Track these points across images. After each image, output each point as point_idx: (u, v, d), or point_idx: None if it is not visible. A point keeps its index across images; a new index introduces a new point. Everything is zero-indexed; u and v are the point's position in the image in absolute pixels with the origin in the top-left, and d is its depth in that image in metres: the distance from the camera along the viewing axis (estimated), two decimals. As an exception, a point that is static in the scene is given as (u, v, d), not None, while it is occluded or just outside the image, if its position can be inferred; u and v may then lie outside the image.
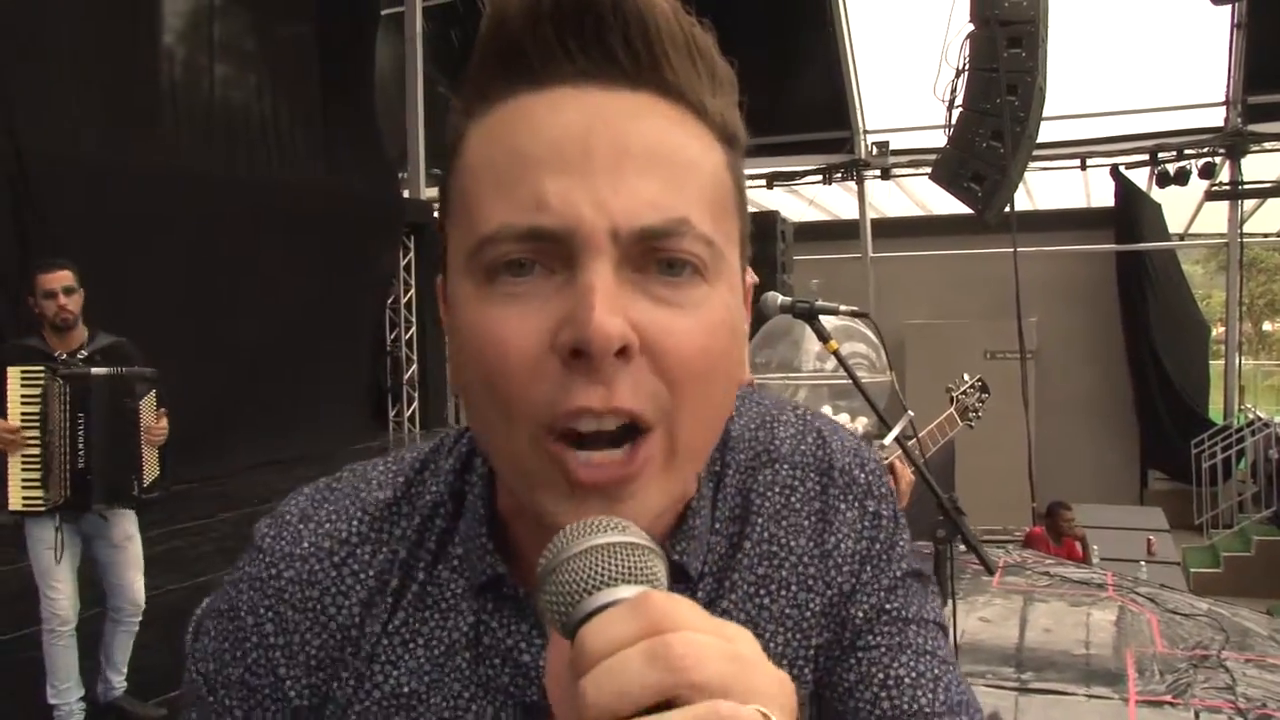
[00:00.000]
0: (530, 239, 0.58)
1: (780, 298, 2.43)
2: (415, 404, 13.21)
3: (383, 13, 12.68)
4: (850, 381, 6.29)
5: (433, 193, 13.66)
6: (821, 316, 2.55)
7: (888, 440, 2.45)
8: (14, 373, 3.86)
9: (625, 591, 0.49)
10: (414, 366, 12.94)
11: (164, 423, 4.17)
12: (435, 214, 0.70)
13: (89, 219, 7.78)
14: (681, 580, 0.70)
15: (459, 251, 0.62)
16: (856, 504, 0.78)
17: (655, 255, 0.59)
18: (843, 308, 2.53)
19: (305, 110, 11.60)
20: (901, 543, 0.79)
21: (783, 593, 0.74)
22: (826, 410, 6.33)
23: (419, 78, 12.61)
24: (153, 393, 4.13)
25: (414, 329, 13.09)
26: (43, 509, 3.84)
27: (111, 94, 9.09)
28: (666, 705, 0.44)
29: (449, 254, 0.64)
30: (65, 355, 3.97)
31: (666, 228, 0.59)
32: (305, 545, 0.72)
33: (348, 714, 0.70)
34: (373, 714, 0.70)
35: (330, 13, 11.82)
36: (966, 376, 2.80)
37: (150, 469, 4.12)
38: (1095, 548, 8.61)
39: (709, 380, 0.61)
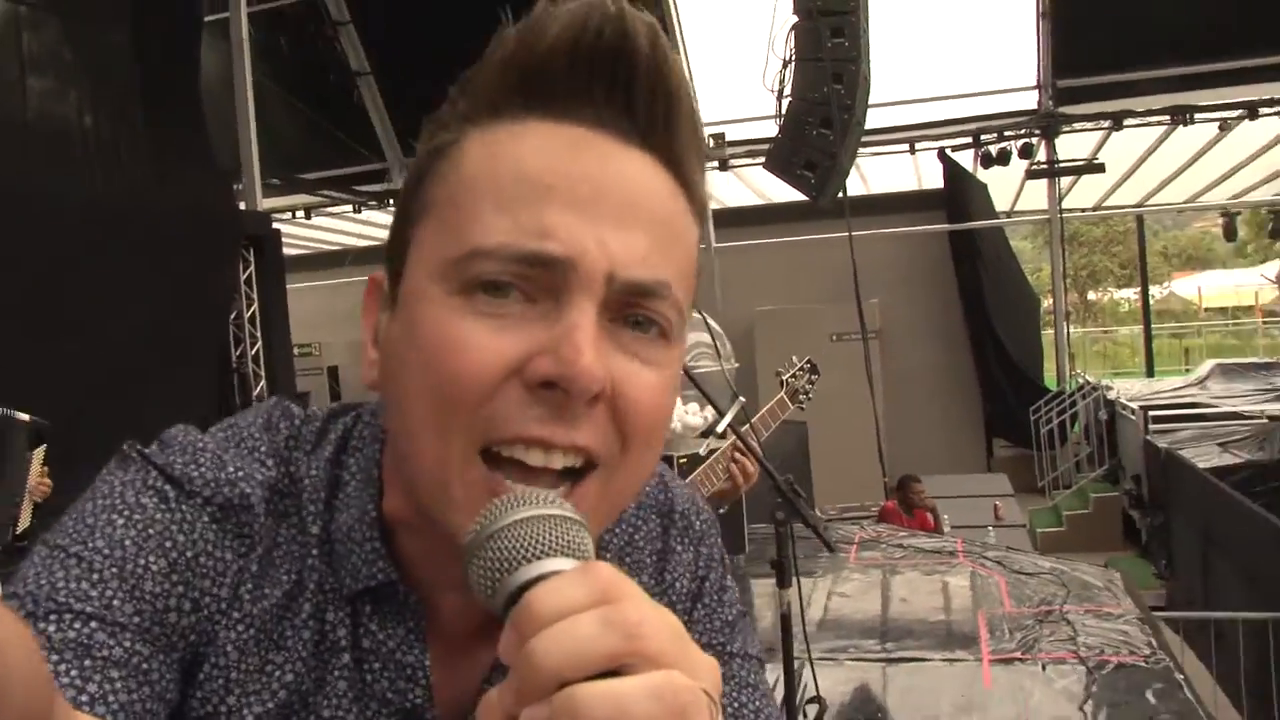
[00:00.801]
0: (524, 263, 0.59)
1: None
2: (263, 423, 12.83)
3: (206, 19, 12.23)
4: (699, 373, 6.34)
5: (271, 203, 13.26)
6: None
7: (720, 427, 2.47)
8: None
9: (564, 563, 0.49)
10: (262, 383, 12.52)
11: (48, 480, 4.01)
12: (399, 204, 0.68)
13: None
14: None
15: (434, 254, 0.62)
16: (692, 547, 0.82)
17: (632, 309, 0.61)
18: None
19: (128, 123, 11.09)
20: (730, 585, 0.84)
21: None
22: (676, 401, 6.39)
23: (248, 85, 12.22)
24: (44, 448, 3.96)
25: (259, 344, 12.68)
26: None
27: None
28: (615, 672, 0.44)
29: (418, 250, 0.64)
30: None
31: (653, 287, 0.61)
32: (225, 476, 0.69)
33: (224, 680, 0.66)
34: (265, 703, 0.67)
35: (147, 19, 11.33)
36: (795, 359, 2.84)
37: (24, 521, 3.92)
38: (946, 517, 8.92)
39: (655, 434, 0.64)
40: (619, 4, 0.62)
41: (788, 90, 8.23)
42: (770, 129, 9.41)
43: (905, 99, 12.66)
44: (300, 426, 0.74)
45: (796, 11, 8.03)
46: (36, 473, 3.97)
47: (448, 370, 0.59)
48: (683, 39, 12.96)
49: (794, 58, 8.10)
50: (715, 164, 13.45)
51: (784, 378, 2.79)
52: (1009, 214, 15.84)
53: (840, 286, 13.02)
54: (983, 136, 12.76)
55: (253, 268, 12.59)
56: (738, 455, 2.52)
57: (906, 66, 11.70)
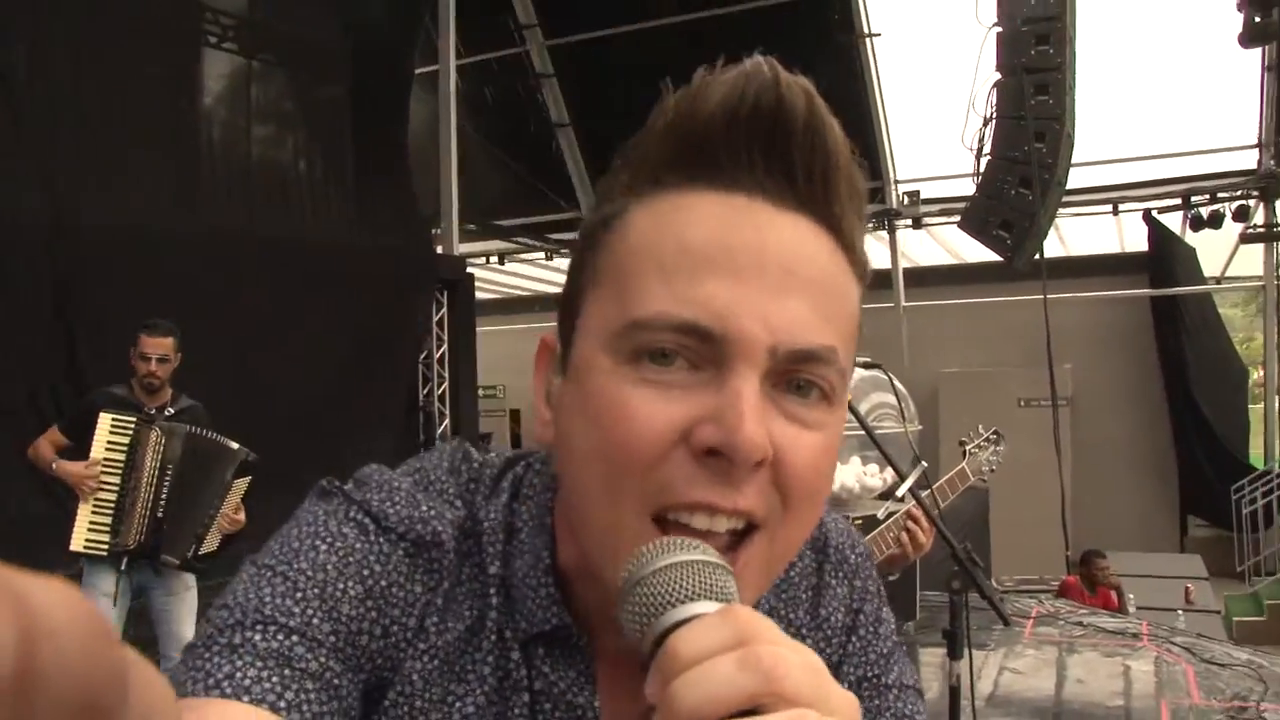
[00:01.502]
0: (685, 333, 0.61)
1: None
2: (448, 456, 13.28)
3: (416, 71, 12.94)
4: (881, 434, 6.28)
5: (467, 248, 13.83)
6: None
7: (900, 492, 2.47)
8: (106, 417, 4.01)
9: (707, 606, 0.52)
10: (446, 421, 13.03)
11: (243, 515, 4.24)
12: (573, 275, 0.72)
13: (131, 282, 7.94)
14: None
15: (602, 325, 0.64)
16: (846, 581, 0.83)
17: (795, 374, 0.62)
18: (856, 358, 2.55)
19: (339, 170, 11.82)
20: (887, 617, 0.84)
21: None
22: (855, 460, 6.32)
23: (453, 137, 12.81)
24: (249, 479, 4.23)
25: (446, 384, 13.19)
26: (104, 553, 3.92)
27: (153, 157, 9.35)
28: (752, 712, 0.46)
29: (586, 319, 0.67)
30: (153, 409, 4.12)
31: (819, 353, 0.62)
32: (418, 515, 0.73)
33: (409, 707, 0.70)
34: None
35: (365, 73, 12.05)
36: (981, 429, 2.80)
37: (209, 544, 4.20)
38: (1131, 596, 8.49)
39: (817, 495, 0.65)
40: (774, 69, 0.64)
41: (987, 148, 8.13)
42: (967, 187, 9.30)
43: (1110, 158, 12.25)
44: (480, 470, 0.78)
45: (1000, 68, 7.95)
46: (234, 504, 4.19)
47: (617, 436, 0.61)
48: (881, 97, 12.92)
49: (995, 115, 8.00)
50: (909, 222, 13.32)
51: (967, 448, 2.75)
52: (1219, 280, 15.04)
53: (1030, 350, 12.66)
54: (1193, 198, 12.21)
55: (445, 310, 13.13)
56: (911, 521, 2.52)
57: (1112, 124, 11.37)
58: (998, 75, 8.15)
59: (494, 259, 16.00)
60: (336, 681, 0.66)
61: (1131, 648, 5.77)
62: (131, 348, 4.16)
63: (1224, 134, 12.50)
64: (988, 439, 2.78)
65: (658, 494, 0.61)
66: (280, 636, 0.65)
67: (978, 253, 13.77)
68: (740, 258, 0.61)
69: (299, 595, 0.67)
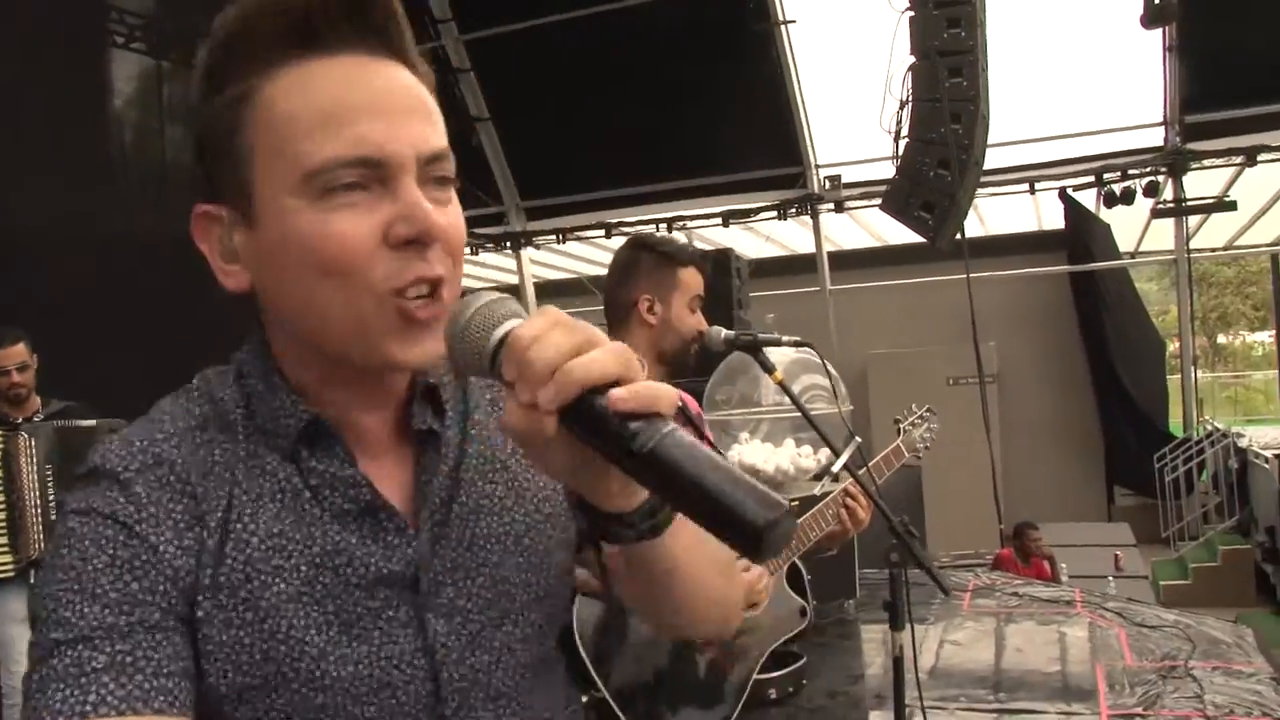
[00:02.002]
0: (358, 165, 0.82)
1: (724, 332, 2.45)
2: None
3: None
4: (814, 414, 6.30)
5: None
6: (768, 348, 2.56)
7: (835, 468, 2.46)
8: None
9: (516, 321, 0.76)
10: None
11: None
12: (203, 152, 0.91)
13: (46, 283, 7.70)
14: (436, 437, 0.94)
15: (285, 177, 0.83)
16: None
17: (431, 173, 0.86)
18: (785, 338, 2.55)
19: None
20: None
21: (505, 447, 0.98)
22: (789, 443, 6.33)
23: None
24: None
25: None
26: (10, 573, 3.78)
27: (64, 160, 9.08)
28: (600, 390, 0.72)
29: (262, 180, 0.84)
30: (19, 420, 3.96)
31: (442, 153, 0.88)
32: (136, 447, 0.87)
33: (224, 564, 0.84)
34: (255, 559, 0.85)
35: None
36: (915, 407, 2.81)
37: None
38: (1064, 566, 8.66)
39: (462, 254, 0.89)
40: None
41: (904, 131, 8.20)
42: (887, 170, 9.38)
43: (1024, 138, 12.45)
44: (211, 375, 0.95)
45: (914, 52, 8.01)
46: None
47: (334, 251, 0.82)
48: (798, 83, 12.99)
49: (911, 98, 8.07)
50: (831, 206, 13.41)
51: (901, 425, 2.77)
52: (1134, 255, 15.40)
53: (956, 329, 12.82)
54: (1105, 175, 12.46)
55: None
56: (849, 498, 2.52)
57: (1025, 105, 11.54)
58: (912, 59, 8.22)
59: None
60: (132, 655, 0.77)
61: (1066, 615, 5.86)
62: None
63: (1133, 112, 12.78)
64: (921, 416, 2.81)
65: (383, 282, 0.83)
66: (75, 649, 0.76)
67: (900, 235, 13.93)
68: (374, 102, 0.83)
69: (68, 602, 0.78)
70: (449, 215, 0.86)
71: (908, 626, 2.32)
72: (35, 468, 3.91)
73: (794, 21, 12.51)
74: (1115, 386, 13.60)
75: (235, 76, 0.84)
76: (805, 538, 2.48)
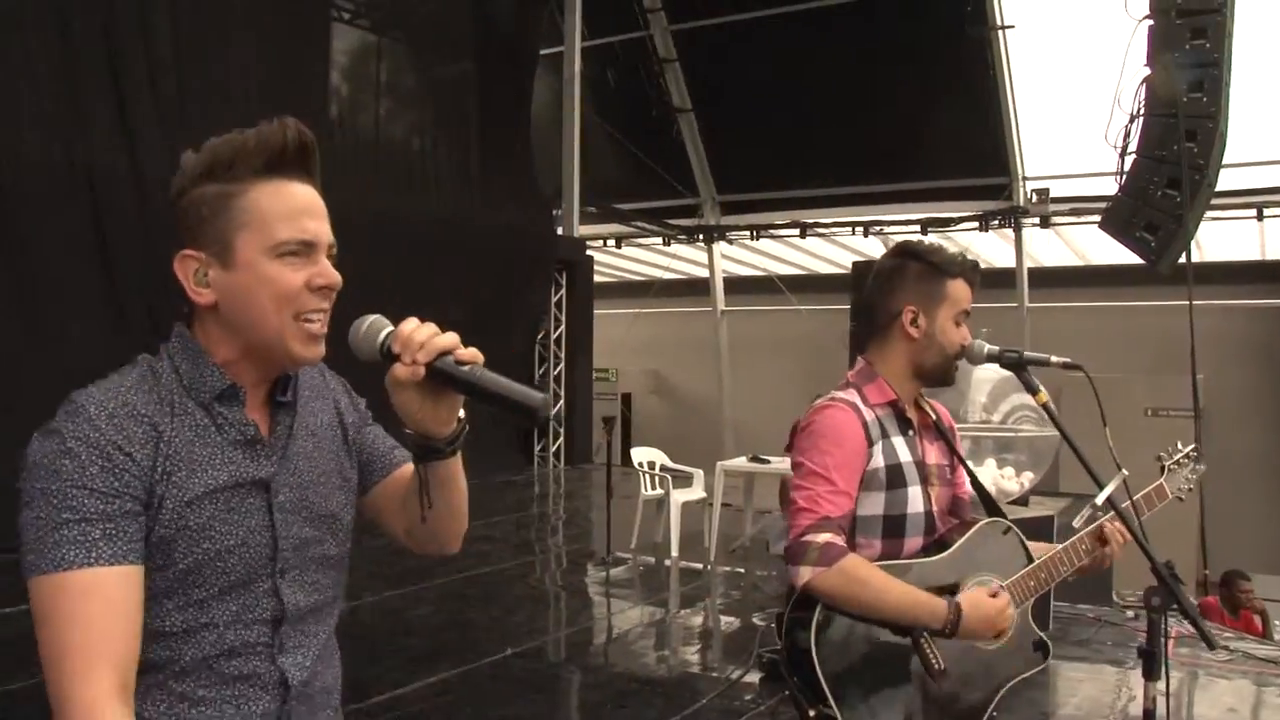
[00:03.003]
0: (302, 244, 1.34)
1: (987, 346, 2.32)
2: (560, 439, 13.29)
3: (541, 52, 12.97)
4: (1010, 434, 6.01)
5: (586, 230, 13.82)
6: (1004, 365, 2.42)
7: (1099, 500, 2.30)
8: None
9: (391, 327, 1.35)
10: (560, 402, 13.05)
11: None
12: (191, 226, 1.38)
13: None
14: (289, 406, 1.46)
15: (258, 245, 1.33)
16: (334, 376, 1.62)
17: (329, 251, 1.38)
18: (1054, 359, 2.40)
19: (463, 147, 11.91)
20: (354, 394, 1.64)
21: (323, 416, 1.54)
22: (990, 463, 6.09)
23: (576, 117, 12.79)
24: None
25: (562, 365, 13.21)
26: None
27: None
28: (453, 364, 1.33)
29: (243, 243, 1.33)
30: None
31: (334, 244, 1.39)
32: (109, 394, 1.32)
33: (168, 462, 1.32)
34: (182, 463, 1.33)
35: (490, 53, 12.12)
36: (1180, 445, 2.60)
37: None
38: (1278, 623, 8.08)
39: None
40: (295, 123, 1.36)
41: (1132, 146, 7.79)
42: (1097, 186, 8.96)
43: (1256, 160, 11.69)
44: (149, 356, 1.40)
45: (1150, 63, 7.59)
46: None
47: (282, 287, 1.33)
48: (1012, 91, 12.55)
49: (1143, 112, 7.65)
50: (1036, 221, 12.91)
51: (1165, 464, 2.56)
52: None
53: (1158, 358, 12.19)
54: (1344, 206, 11.60)
55: (564, 291, 13.15)
56: (1106, 528, 2.35)
57: (1259, 124, 10.81)
58: (1147, 70, 7.79)
59: (610, 242, 15.98)
60: (127, 519, 1.27)
61: (1283, 676, 5.46)
62: None
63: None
64: (1187, 455, 2.59)
65: (299, 309, 1.34)
66: (80, 526, 1.24)
67: (1104, 254, 13.31)
68: (311, 209, 1.37)
69: (74, 495, 1.25)
70: (337, 276, 1.39)
71: (1164, 675, 2.15)
72: None
73: (1013, 27, 12.07)
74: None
75: (228, 178, 1.35)
76: (1056, 571, 2.32)
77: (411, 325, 1.33)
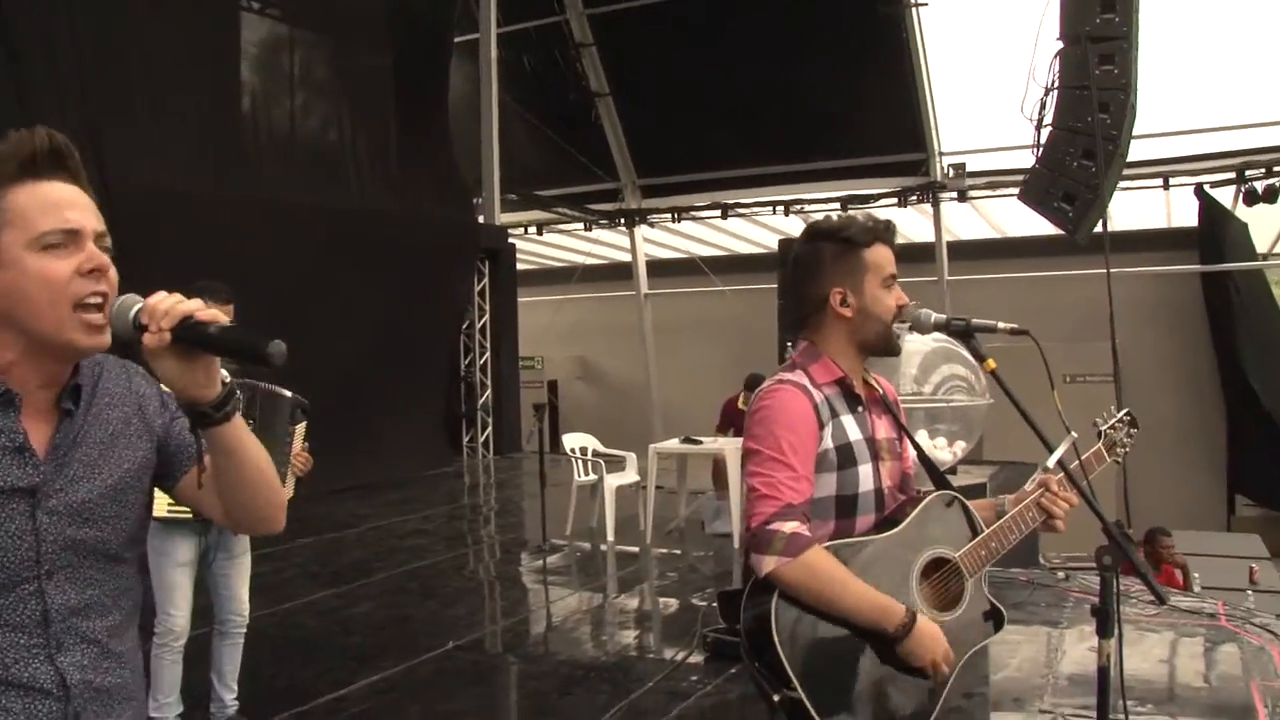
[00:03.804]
0: (66, 234, 1.38)
1: (935, 315, 2.33)
2: (489, 429, 13.20)
3: (456, 40, 12.80)
4: (942, 405, 6.08)
5: (507, 218, 13.69)
6: (951, 333, 2.43)
7: (1050, 463, 2.33)
8: None
9: (141, 301, 1.38)
10: (488, 392, 12.95)
11: (307, 455, 4.13)
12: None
13: (172, 246, 7.85)
14: (75, 396, 1.47)
15: (21, 240, 1.36)
16: (144, 380, 1.59)
17: (100, 243, 1.41)
18: (1001, 325, 2.42)
19: (381, 138, 11.71)
20: (166, 395, 1.59)
21: (120, 422, 1.52)
22: (922, 434, 6.18)
23: (494, 104, 12.66)
24: (304, 424, 4.10)
25: (488, 354, 13.10)
26: (188, 515, 3.77)
27: (193, 125, 9.26)
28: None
29: (8, 245, 1.36)
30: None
31: (103, 233, 1.42)
32: None
33: None
34: None
35: (406, 41, 11.92)
36: (1114, 409, 2.65)
37: (287, 490, 4.09)
38: (1197, 575, 8.33)
39: (115, 289, 1.42)
40: (45, 130, 1.42)
41: (1048, 119, 7.93)
42: (1012, 159, 9.11)
43: (1162, 131, 11.99)
44: None
45: (1063, 37, 7.73)
46: (298, 446, 4.07)
47: (51, 277, 1.36)
48: (927, 68, 12.70)
49: (1057, 85, 7.79)
50: (954, 195, 13.11)
51: (1101, 429, 2.60)
52: (1265, 256, 14.77)
53: (1075, 326, 12.46)
54: (1248, 172, 11.95)
55: (487, 280, 13.04)
56: (1052, 496, 2.37)
57: (1164, 96, 11.08)
58: (1059, 44, 7.94)
59: (532, 229, 15.88)
60: None
61: (1209, 628, 5.63)
62: None
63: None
64: (1122, 420, 2.64)
65: (73, 297, 1.36)
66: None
67: (1020, 227, 13.56)
68: (71, 201, 1.41)
69: None
70: (109, 263, 1.42)
71: (1116, 633, 2.18)
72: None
73: (926, 4, 12.22)
74: (1246, 392, 13.08)
75: None
76: (1005, 539, 2.34)
77: (158, 297, 1.36)
